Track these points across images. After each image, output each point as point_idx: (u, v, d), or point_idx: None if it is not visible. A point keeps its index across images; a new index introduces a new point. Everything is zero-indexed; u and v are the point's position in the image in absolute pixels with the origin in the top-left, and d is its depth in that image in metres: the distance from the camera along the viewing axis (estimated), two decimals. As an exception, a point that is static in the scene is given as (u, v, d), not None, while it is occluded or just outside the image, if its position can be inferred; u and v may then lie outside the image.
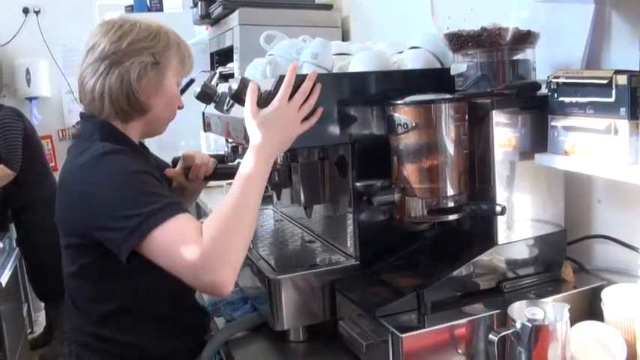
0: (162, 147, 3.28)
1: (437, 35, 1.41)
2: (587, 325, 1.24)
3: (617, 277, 1.38)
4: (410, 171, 1.26)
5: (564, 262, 1.39)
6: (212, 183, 1.94)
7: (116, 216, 1.22)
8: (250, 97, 1.30)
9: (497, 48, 1.30)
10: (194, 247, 1.16)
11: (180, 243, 1.17)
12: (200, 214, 2.98)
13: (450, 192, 1.26)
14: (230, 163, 1.80)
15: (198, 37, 3.53)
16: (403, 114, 1.23)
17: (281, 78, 1.29)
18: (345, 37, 2.58)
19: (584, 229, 1.49)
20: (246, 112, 1.30)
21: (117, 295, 1.40)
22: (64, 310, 4.02)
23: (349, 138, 1.39)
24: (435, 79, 1.43)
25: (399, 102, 1.25)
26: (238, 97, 1.31)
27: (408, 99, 1.24)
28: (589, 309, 1.32)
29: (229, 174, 1.69)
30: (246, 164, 1.26)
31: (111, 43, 1.36)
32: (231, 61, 2.58)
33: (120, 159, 1.31)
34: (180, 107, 1.52)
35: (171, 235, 1.19)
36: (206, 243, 1.17)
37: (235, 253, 1.20)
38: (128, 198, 1.24)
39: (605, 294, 1.26)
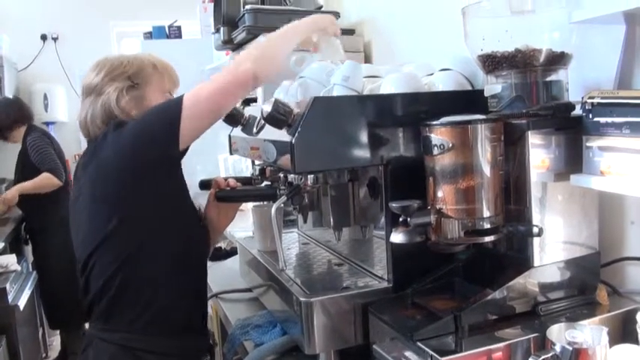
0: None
1: (467, 57, 1.41)
2: (624, 349, 1.22)
3: (651, 301, 1.35)
4: (446, 192, 1.25)
5: (599, 285, 1.37)
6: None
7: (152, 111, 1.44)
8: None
9: (531, 69, 1.30)
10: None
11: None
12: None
13: (487, 213, 1.25)
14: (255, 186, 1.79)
15: (217, 63, 3.57)
16: (439, 135, 1.22)
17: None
18: (367, 62, 2.59)
19: (616, 250, 1.47)
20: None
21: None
22: (78, 335, 3.99)
23: (381, 160, 1.39)
24: (467, 100, 1.44)
25: (435, 123, 1.24)
26: (273, 118, 1.31)
27: (445, 120, 1.24)
28: (623, 332, 1.30)
29: (241, 196, 1.68)
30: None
31: (92, 79, 1.57)
32: (253, 85, 2.59)
33: None
34: None
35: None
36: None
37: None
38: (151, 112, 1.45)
39: (640, 317, 1.24)
